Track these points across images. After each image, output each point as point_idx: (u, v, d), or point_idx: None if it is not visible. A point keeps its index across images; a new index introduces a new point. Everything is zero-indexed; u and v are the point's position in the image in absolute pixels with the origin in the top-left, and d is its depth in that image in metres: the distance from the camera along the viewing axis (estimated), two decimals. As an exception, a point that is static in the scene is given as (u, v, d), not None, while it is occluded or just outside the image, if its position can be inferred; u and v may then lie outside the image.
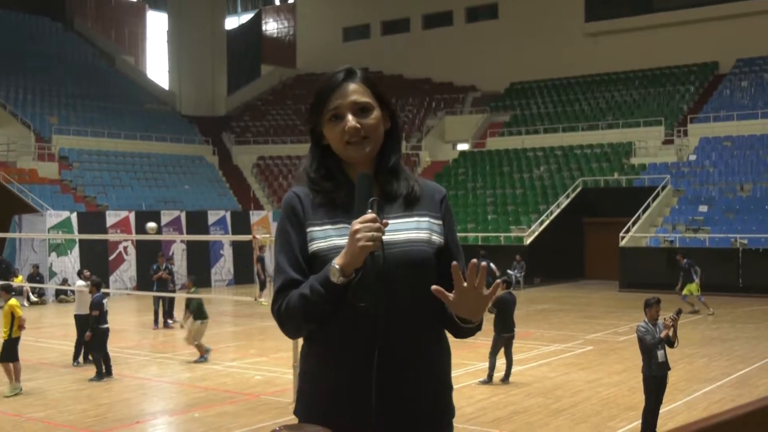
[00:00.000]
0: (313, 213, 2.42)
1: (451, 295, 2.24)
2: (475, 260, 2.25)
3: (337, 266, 2.23)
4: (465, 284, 2.23)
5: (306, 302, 2.30)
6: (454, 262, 2.25)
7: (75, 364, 14.43)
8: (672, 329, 8.75)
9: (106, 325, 13.36)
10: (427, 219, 2.44)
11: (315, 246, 2.38)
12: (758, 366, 13.68)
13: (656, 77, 39.69)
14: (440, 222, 2.47)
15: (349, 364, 2.33)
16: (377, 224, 2.22)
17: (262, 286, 26.47)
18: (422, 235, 2.40)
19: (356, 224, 2.22)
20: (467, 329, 2.39)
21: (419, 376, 2.37)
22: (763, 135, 31.93)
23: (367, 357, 2.30)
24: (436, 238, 2.43)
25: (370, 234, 2.20)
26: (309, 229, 2.41)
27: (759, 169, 30.04)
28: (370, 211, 2.24)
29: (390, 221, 2.33)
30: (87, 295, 14.20)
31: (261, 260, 26.71)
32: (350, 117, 2.37)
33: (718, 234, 26.77)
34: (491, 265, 26.15)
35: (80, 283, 15.91)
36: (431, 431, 2.44)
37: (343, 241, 2.30)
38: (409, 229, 2.39)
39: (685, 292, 21.37)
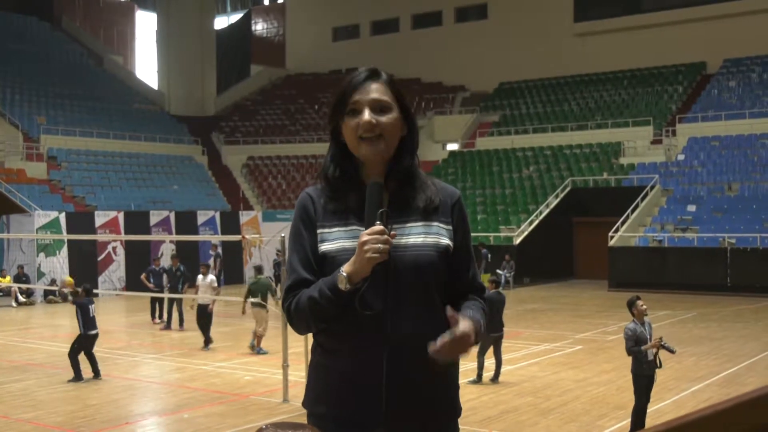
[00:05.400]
0: (325, 214, 2.46)
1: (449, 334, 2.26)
2: (451, 314, 2.28)
3: (344, 274, 2.28)
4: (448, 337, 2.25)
5: (314, 304, 2.35)
6: (449, 312, 2.28)
7: (206, 348, 16.13)
8: (655, 349, 8.85)
9: (94, 331, 13.20)
10: (437, 224, 2.46)
11: (324, 247, 2.42)
12: (746, 365, 13.76)
13: (645, 77, 39.84)
14: (450, 227, 2.49)
15: (358, 363, 2.37)
16: (385, 236, 2.26)
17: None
18: (430, 239, 2.42)
19: (364, 236, 2.26)
20: None
21: (428, 377, 2.40)
22: (750, 135, 32.11)
23: (376, 358, 2.35)
24: (444, 242, 2.45)
25: (377, 246, 2.24)
26: (320, 231, 2.45)
27: (747, 168, 30.20)
28: (378, 222, 2.27)
29: (399, 225, 2.38)
30: (208, 287, 16.55)
31: (218, 257, 27.03)
32: (367, 112, 2.38)
33: (706, 233, 26.89)
34: (489, 256, 26.25)
35: (211, 277, 17.02)
36: (438, 428, 2.48)
37: (352, 243, 2.34)
38: (418, 234, 2.42)
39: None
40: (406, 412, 2.38)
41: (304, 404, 2.53)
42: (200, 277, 16.98)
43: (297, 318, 2.43)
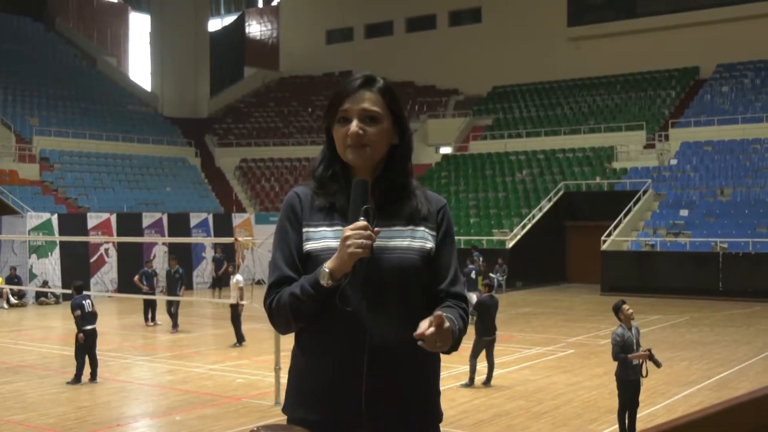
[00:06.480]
0: (312, 214, 2.47)
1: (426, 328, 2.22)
2: (439, 313, 2.24)
3: (327, 270, 2.29)
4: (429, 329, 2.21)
5: (295, 301, 2.35)
6: (438, 312, 2.24)
7: (237, 344, 16.75)
8: (642, 360, 8.88)
9: (90, 327, 13.10)
10: (423, 229, 2.47)
11: (309, 246, 2.43)
12: (737, 369, 13.79)
13: (638, 82, 39.94)
14: (434, 233, 2.50)
15: (338, 363, 2.37)
16: (368, 232, 2.27)
17: (213, 285, 26.93)
18: (415, 243, 2.44)
19: (347, 231, 2.27)
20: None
21: (407, 379, 2.40)
22: (743, 140, 32.22)
23: (356, 358, 2.35)
24: (429, 246, 2.46)
25: (360, 241, 2.25)
26: (305, 229, 2.46)
27: (739, 173, 30.30)
28: (362, 218, 2.29)
29: (385, 229, 2.38)
30: (236, 289, 17.02)
31: (216, 261, 27.09)
32: (355, 122, 2.41)
33: (698, 238, 26.96)
34: (481, 258, 26.29)
35: (238, 277, 17.35)
36: None
37: (337, 243, 2.34)
38: (403, 238, 2.43)
39: None
40: (387, 416, 2.37)
41: (284, 409, 2.53)
42: (231, 277, 17.68)
43: (277, 315, 2.42)
